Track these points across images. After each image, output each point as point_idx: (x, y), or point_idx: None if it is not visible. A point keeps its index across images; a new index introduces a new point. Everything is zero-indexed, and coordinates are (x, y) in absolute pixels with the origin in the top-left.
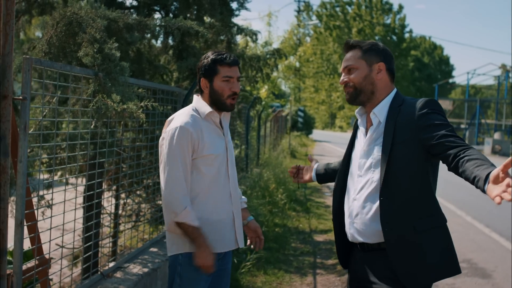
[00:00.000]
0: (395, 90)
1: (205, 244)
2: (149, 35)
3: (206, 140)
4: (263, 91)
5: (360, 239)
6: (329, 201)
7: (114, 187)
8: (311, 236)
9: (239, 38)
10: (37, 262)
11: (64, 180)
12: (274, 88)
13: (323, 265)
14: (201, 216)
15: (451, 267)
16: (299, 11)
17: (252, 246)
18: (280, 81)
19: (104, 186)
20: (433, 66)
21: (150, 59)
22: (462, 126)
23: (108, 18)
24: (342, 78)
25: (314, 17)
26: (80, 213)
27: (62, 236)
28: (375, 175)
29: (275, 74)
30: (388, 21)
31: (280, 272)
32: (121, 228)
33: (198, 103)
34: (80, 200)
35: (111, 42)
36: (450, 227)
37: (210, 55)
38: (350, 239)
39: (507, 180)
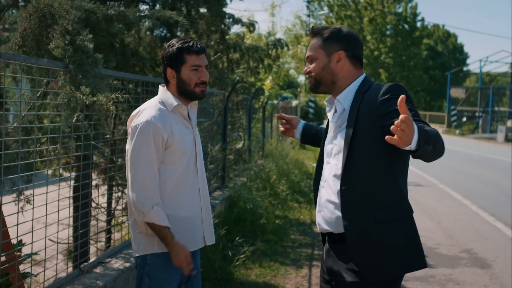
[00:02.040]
0: (363, 76)
1: (177, 244)
2: (135, 28)
3: (175, 135)
4: (268, 82)
5: (327, 228)
6: None
7: (103, 180)
8: (311, 228)
9: (236, 29)
10: (4, 259)
11: (47, 173)
12: (279, 79)
13: (320, 257)
14: (170, 213)
15: (415, 261)
16: (309, 1)
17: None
18: (293, 73)
19: (97, 180)
20: (447, 54)
21: (135, 51)
22: (476, 114)
23: (85, 10)
24: (305, 68)
25: (325, 7)
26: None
27: (45, 233)
28: (339, 163)
29: (287, 65)
30: (400, 10)
31: (276, 265)
32: (113, 222)
33: (164, 94)
34: (67, 194)
35: (84, 34)
36: (455, 216)
37: (175, 43)
38: (319, 229)
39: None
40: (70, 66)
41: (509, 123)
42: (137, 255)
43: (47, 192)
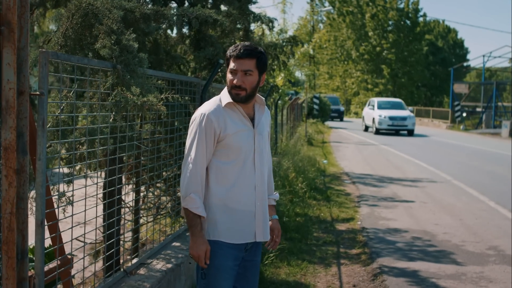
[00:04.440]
0: None
1: (198, 234)
2: (165, 25)
3: (228, 130)
4: (279, 79)
5: None
6: (349, 188)
7: (134, 181)
8: (333, 225)
9: (254, 26)
10: (59, 263)
11: (84, 175)
12: (290, 76)
13: (347, 255)
14: (225, 203)
15: None
16: None
17: (266, 245)
18: (294, 69)
19: (124, 180)
20: (447, 49)
21: (166, 49)
22: (478, 109)
23: (125, 9)
24: None
25: (327, 4)
26: (100, 208)
27: (84, 233)
28: None
29: (291, 61)
30: (402, 6)
31: (304, 263)
32: (142, 221)
33: (224, 92)
34: (100, 195)
35: (128, 33)
36: (474, 213)
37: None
38: None
39: None
40: (118, 66)
41: None
42: None
43: (85, 198)
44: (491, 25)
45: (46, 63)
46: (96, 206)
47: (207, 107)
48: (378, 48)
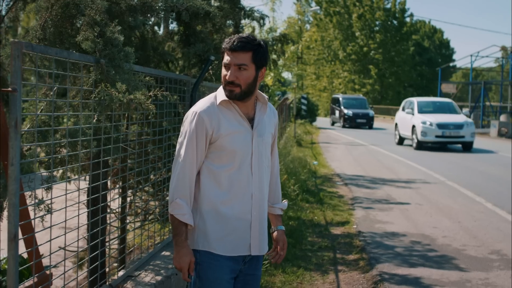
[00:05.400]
0: None
1: (182, 244)
2: (152, 20)
3: (222, 130)
4: (269, 79)
5: None
6: (342, 190)
7: (120, 185)
8: (327, 229)
9: (244, 23)
10: (36, 280)
11: (65, 180)
12: (279, 76)
13: (344, 260)
14: (212, 210)
15: None
16: None
17: (268, 257)
18: (283, 69)
19: (110, 184)
20: (433, 50)
21: (154, 46)
22: (465, 109)
23: None
24: None
25: (313, 4)
26: (83, 216)
27: (65, 246)
28: None
29: (280, 61)
30: (389, 6)
31: (300, 270)
32: (129, 227)
33: (220, 89)
34: (84, 200)
35: (113, 25)
36: (472, 215)
37: None
38: None
39: None
40: (101, 61)
41: (502, 118)
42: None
43: (66, 206)
44: (477, 25)
45: (19, 55)
46: (78, 216)
47: (200, 105)
48: (365, 48)
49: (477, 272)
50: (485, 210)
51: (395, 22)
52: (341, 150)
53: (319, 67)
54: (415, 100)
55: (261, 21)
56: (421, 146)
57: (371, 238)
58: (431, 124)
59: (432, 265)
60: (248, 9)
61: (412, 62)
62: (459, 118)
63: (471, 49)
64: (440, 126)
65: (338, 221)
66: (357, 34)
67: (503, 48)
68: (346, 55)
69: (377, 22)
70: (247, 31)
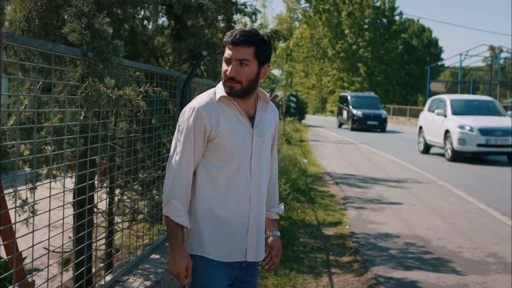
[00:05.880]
0: None
1: (179, 248)
2: (142, 13)
3: (221, 127)
4: None
5: None
6: (333, 190)
7: (108, 185)
8: (319, 230)
9: (236, 19)
10: None
11: (50, 179)
12: (269, 73)
13: (338, 263)
14: (208, 212)
15: None
16: None
17: (262, 264)
18: (272, 66)
19: (97, 184)
20: (422, 48)
21: (144, 40)
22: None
23: None
24: None
25: (302, 1)
26: (70, 216)
27: (48, 252)
28: None
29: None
30: (378, 4)
31: (292, 273)
32: (117, 228)
33: (219, 84)
34: (70, 199)
35: (101, 17)
36: (466, 216)
37: None
38: None
39: None
40: (89, 54)
41: None
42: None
43: (49, 205)
44: (466, 24)
45: None
46: (63, 219)
47: (198, 100)
48: (354, 46)
49: (474, 276)
50: (478, 211)
51: (384, 20)
52: (331, 148)
53: (308, 64)
54: (447, 98)
55: (253, 16)
56: (457, 157)
57: (365, 239)
58: (471, 129)
59: (428, 268)
60: (241, 3)
61: (400, 61)
62: (505, 121)
63: (459, 48)
64: (484, 132)
65: (330, 222)
66: (346, 32)
67: (491, 48)
68: (335, 53)
69: (366, 20)
70: (237, 28)
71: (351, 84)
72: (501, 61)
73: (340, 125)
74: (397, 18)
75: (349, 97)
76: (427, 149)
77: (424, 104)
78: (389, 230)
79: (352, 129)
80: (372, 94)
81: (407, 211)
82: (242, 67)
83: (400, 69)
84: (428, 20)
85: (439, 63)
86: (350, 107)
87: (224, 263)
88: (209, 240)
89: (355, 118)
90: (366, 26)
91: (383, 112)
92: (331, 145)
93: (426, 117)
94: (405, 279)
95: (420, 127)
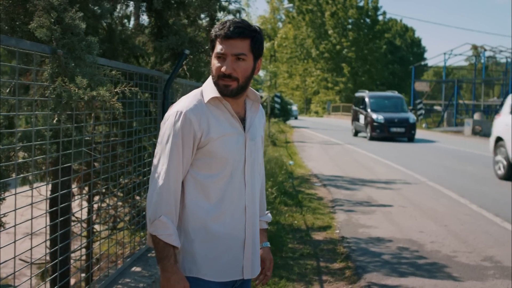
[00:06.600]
0: None
1: (172, 270)
2: (118, 8)
3: (212, 132)
4: None
5: None
6: (321, 192)
7: (85, 192)
8: (309, 235)
9: (220, 17)
10: None
11: (15, 192)
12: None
13: (329, 270)
14: (200, 228)
15: None
16: None
17: (254, 279)
18: None
19: (76, 191)
20: (405, 48)
21: (123, 38)
22: (437, 107)
23: None
24: None
25: (285, 1)
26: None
27: (14, 261)
28: None
29: None
30: (361, 4)
31: (282, 281)
32: (97, 238)
33: (207, 84)
34: (43, 207)
35: (73, 11)
36: (459, 218)
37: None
38: None
39: None
40: (59, 51)
41: (476, 116)
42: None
43: (15, 220)
44: (449, 23)
45: None
46: (32, 234)
47: (184, 103)
48: (338, 47)
49: (472, 282)
50: (471, 213)
51: (368, 20)
52: (317, 150)
53: (292, 65)
54: None
55: (238, 14)
56: None
57: (356, 244)
58: None
59: (424, 274)
60: (224, 0)
61: (384, 61)
62: None
63: (443, 48)
64: None
65: (319, 226)
66: (330, 32)
67: (474, 47)
68: (319, 53)
69: (350, 20)
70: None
71: (335, 84)
72: (484, 60)
73: (356, 133)
74: (380, 18)
75: (367, 98)
76: (511, 172)
77: (409, 104)
78: (380, 234)
79: (372, 138)
80: (396, 93)
81: (398, 214)
82: (238, 63)
83: (384, 69)
84: (412, 19)
85: (423, 63)
86: (369, 110)
87: (219, 283)
88: (204, 259)
89: (375, 124)
90: (350, 26)
91: (411, 116)
92: (317, 146)
93: (506, 122)
94: (401, 286)
95: (498, 139)
